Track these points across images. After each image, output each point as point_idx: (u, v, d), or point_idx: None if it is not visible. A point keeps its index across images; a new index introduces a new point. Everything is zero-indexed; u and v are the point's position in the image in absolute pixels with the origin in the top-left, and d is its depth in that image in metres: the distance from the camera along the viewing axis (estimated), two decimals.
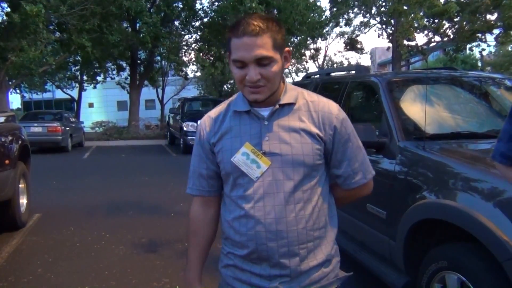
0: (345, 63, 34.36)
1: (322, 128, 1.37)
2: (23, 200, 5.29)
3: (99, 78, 25.02)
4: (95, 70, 23.34)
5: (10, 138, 4.93)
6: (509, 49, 24.02)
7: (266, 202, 1.32)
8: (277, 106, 1.36)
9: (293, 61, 28.70)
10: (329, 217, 1.43)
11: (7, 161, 4.67)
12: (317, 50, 26.47)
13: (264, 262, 1.35)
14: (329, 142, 1.38)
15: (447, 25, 18.64)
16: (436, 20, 18.13)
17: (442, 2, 17.18)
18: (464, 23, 17.78)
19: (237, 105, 1.40)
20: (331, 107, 1.40)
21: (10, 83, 16.32)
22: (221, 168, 1.40)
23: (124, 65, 22.71)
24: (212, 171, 1.44)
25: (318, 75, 5.04)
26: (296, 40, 20.61)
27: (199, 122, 1.51)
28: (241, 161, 1.33)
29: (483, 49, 20.19)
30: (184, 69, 23.04)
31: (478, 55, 23.84)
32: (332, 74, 4.74)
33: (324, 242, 1.41)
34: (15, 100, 39.10)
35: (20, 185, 5.11)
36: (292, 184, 1.33)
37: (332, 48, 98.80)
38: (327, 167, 1.44)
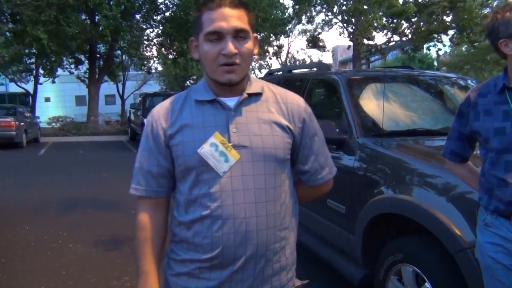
0: (308, 61, 34.79)
1: (292, 120, 1.30)
2: None
3: (58, 72, 24.19)
4: (52, 63, 22.54)
5: None
6: (463, 49, 24.98)
7: (235, 200, 1.20)
8: (245, 95, 1.27)
9: (255, 57, 28.73)
10: (292, 216, 1.34)
11: None
12: (280, 47, 26.66)
13: (227, 267, 1.23)
14: (298, 135, 1.32)
15: (405, 25, 19.19)
16: (395, 20, 18.62)
17: (401, 3, 17.68)
18: (422, 23, 18.35)
19: (199, 94, 1.29)
20: (299, 100, 1.36)
21: None
22: (178, 163, 1.26)
23: (83, 58, 22.04)
24: (163, 169, 1.29)
25: (280, 72, 5.07)
26: (259, 36, 20.68)
27: (149, 115, 1.34)
28: (209, 153, 1.21)
29: (440, 49, 20.93)
30: (147, 64, 22.65)
31: (434, 55, 24.67)
32: (294, 71, 4.78)
33: (288, 244, 1.32)
34: None
35: None
36: (263, 180, 1.23)
37: (294, 46, 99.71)
38: (291, 163, 1.36)
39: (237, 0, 1.20)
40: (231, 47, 1.17)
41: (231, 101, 1.26)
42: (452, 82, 3.89)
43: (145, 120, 1.30)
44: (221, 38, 1.18)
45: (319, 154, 1.38)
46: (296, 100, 1.35)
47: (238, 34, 1.19)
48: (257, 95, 1.30)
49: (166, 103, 1.32)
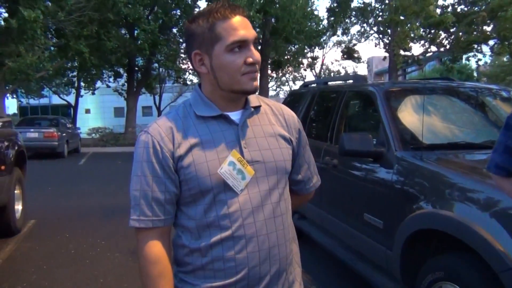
0: (342, 72, 34.55)
1: (290, 131, 1.30)
2: (18, 206, 5.25)
3: (97, 85, 25.05)
4: (92, 76, 23.36)
5: (6, 143, 4.91)
6: (504, 60, 24.20)
7: (256, 217, 1.16)
8: (251, 109, 1.23)
9: (290, 69, 28.80)
10: (291, 226, 1.32)
11: (3, 167, 4.65)
12: (314, 58, 26.61)
13: None
14: (295, 146, 1.32)
15: (443, 35, 18.80)
16: (433, 31, 18.28)
17: (439, 13, 17.34)
18: (460, 33, 17.93)
19: (201, 109, 1.20)
20: (291, 111, 1.36)
21: (6, 88, 16.30)
22: (190, 187, 1.15)
23: (122, 71, 22.74)
24: (171, 194, 1.17)
25: (315, 84, 5.06)
26: (293, 48, 20.73)
27: (143, 135, 1.20)
28: (228, 173, 1.14)
29: (479, 60, 20.35)
30: (183, 76, 23.11)
31: (474, 66, 24.01)
32: (330, 83, 4.76)
33: (295, 254, 1.33)
34: (11, 106, 38.95)
35: (15, 191, 5.08)
36: (277, 194, 1.21)
37: (329, 57, 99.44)
38: None
39: (242, 9, 1.17)
40: (257, 53, 1.15)
41: (234, 116, 1.21)
42: (494, 93, 3.76)
43: (139, 141, 1.18)
44: (243, 46, 1.14)
45: (310, 163, 1.40)
46: (289, 111, 1.35)
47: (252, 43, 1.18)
48: (257, 108, 1.26)
49: (164, 121, 1.20)
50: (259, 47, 19.35)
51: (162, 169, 1.16)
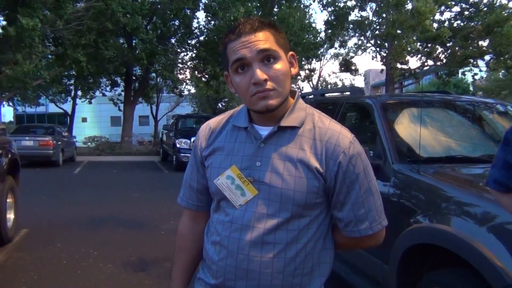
0: (339, 84, 34.69)
1: (323, 162, 1.15)
2: (10, 215, 5.18)
3: (96, 93, 25.04)
4: (89, 85, 23.36)
5: None
6: (500, 75, 24.38)
7: (242, 235, 1.15)
8: (276, 128, 1.16)
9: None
10: (319, 263, 1.21)
11: None
12: (311, 70, 26.72)
13: None
14: (330, 180, 1.16)
15: (440, 49, 18.96)
16: (429, 45, 18.43)
17: (435, 27, 17.50)
18: (457, 48, 18.08)
19: (237, 119, 1.24)
20: (341, 139, 1.17)
21: (3, 95, 16.26)
22: (209, 185, 1.26)
23: (119, 81, 22.74)
24: (202, 185, 1.29)
25: (312, 96, 5.05)
26: None
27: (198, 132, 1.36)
28: (224, 185, 1.18)
29: (475, 74, 20.50)
30: (179, 86, 23.13)
31: (470, 80, 24.18)
32: (327, 95, 4.75)
33: None
34: (8, 113, 38.87)
35: (7, 200, 5.01)
36: (275, 222, 1.14)
37: (326, 69, 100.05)
38: (329, 206, 1.22)
39: (258, 22, 1.12)
40: (258, 73, 1.09)
41: (264, 131, 1.18)
42: (491, 107, 3.77)
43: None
44: (248, 65, 1.11)
45: (357, 204, 1.18)
46: (336, 139, 1.17)
47: (266, 57, 1.11)
48: (293, 129, 1.18)
49: (211, 122, 1.32)
50: None
51: (197, 162, 1.30)
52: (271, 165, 1.15)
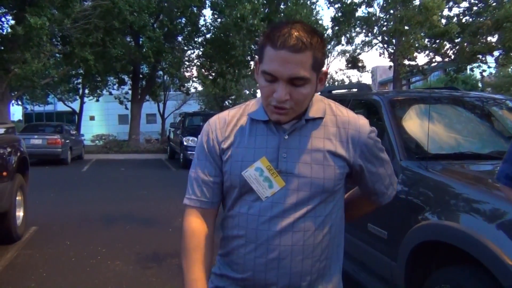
0: (346, 81, 34.57)
1: (350, 149, 1.21)
2: (20, 213, 5.23)
3: (103, 92, 25.16)
4: (97, 83, 23.47)
5: (8, 150, 4.90)
6: (509, 71, 24.15)
7: (271, 227, 1.16)
8: (303, 121, 1.19)
9: None
10: (338, 246, 1.30)
11: (4, 173, 4.63)
12: None
13: None
14: (355, 164, 1.23)
15: (448, 45, 18.79)
16: (437, 41, 18.27)
17: (443, 23, 17.35)
18: (465, 44, 17.91)
19: (256, 112, 1.23)
20: (362, 124, 1.24)
21: (12, 94, 16.38)
22: (225, 178, 1.24)
23: (126, 79, 22.82)
24: (219, 179, 1.26)
25: (319, 93, 5.03)
26: None
27: (205, 125, 1.33)
28: (253, 177, 1.17)
29: (484, 70, 20.31)
30: (186, 84, 23.16)
31: (478, 76, 23.97)
32: (334, 91, 4.73)
33: (328, 274, 1.26)
34: (17, 112, 39.24)
35: (17, 198, 5.06)
36: (305, 210, 1.17)
37: (333, 66, 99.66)
38: (344, 190, 1.30)
39: (302, 43, 1.07)
40: (281, 94, 1.10)
41: (287, 124, 1.20)
42: (500, 103, 3.73)
43: (202, 129, 1.32)
44: (274, 80, 1.11)
45: (384, 177, 1.32)
46: (358, 125, 1.23)
47: (295, 82, 1.10)
48: (316, 119, 1.21)
49: (225, 115, 1.29)
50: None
51: (212, 156, 1.25)
52: (299, 156, 1.18)
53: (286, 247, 1.17)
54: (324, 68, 1.19)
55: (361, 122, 1.24)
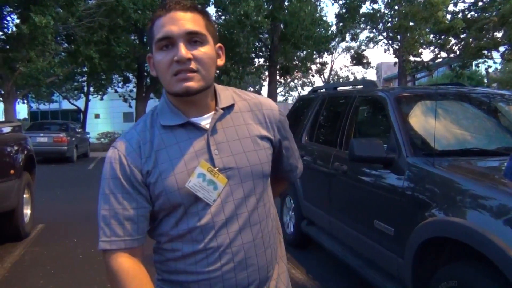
0: (351, 78, 34.48)
1: (270, 128, 1.22)
2: (27, 211, 5.27)
3: (108, 90, 25.23)
4: (102, 81, 23.52)
5: (15, 148, 4.94)
6: None
7: (229, 228, 1.10)
8: (220, 110, 1.14)
9: (299, 74, 28.81)
10: (277, 227, 1.30)
11: (12, 171, 4.67)
12: (323, 64, 26.59)
13: None
14: (277, 142, 1.25)
15: (453, 41, 18.69)
16: (443, 37, 18.18)
17: (448, 19, 17.25)
18: (471, 39, 17.81)
19: (166, 118, 1.12)
20: (272, 103, 1.26)
21: (17, 93, 16.45)
22: (160, 202, 1.09)
23: (131, 77, 22.87)
24: (145, 210, 1.11)
25: (324, 90, 5.03)
26: (302, 54, 20.72)
27: (110, 151, 1.14)
28: (197, 185, 1.07)
29: (490, 66, 20.19)
30: None
31: (484, 72, 23.82)
32: (339, 88, 4.73)
33: (280, 258, 1.30)
34: (22, 110, 39.36)
35: (24, 195, 5.10)
36: (254, 200, 1.14)
37: (338, 63, 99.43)
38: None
39: (190, 3, 1.08)
40: (182, 51, 1.03)
41: (204, 120, 1.13)
42: (507, 99, 3.71)
43: (107, 157, 1.12)
44: (173, 44, 1.05)
45: (295, 152, 1.37)
46: (269, 105, 1.24)
47: (193, 38, 1.05)
48: (230, 108, 1.17)
49: (132, 134, 1.13)
50: (268, 53, 19.39)
51: (131, 185, 1.09)
52: (230, 148, 1.13)
53: (249, 243, 1.13)
54: (219, 43, 1.16)
55: (270, 101, 1.27)
